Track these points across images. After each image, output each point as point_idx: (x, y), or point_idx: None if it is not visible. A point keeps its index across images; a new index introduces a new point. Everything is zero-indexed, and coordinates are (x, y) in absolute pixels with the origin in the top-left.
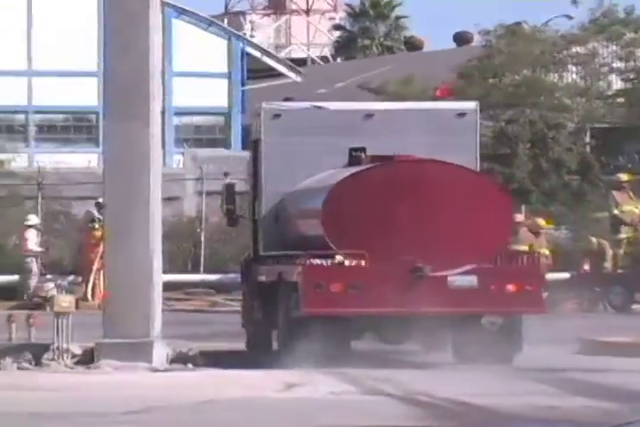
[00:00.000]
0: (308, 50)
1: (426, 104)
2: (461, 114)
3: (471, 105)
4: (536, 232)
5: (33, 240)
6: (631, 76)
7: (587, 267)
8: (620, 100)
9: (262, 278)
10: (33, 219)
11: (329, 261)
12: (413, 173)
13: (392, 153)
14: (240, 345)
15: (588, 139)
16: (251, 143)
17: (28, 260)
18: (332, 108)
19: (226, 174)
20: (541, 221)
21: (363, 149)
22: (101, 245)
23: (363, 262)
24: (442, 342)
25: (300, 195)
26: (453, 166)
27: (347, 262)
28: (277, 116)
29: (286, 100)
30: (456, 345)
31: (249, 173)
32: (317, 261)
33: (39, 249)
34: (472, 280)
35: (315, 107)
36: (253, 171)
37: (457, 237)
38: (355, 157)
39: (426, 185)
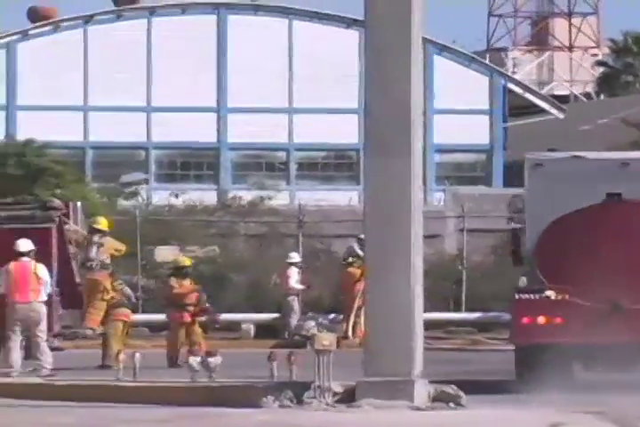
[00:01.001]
0: (570, 86)
1: None
2: None
3: None
4: None
5: (294, 278)
6: None
7: None
8: None
9: None
10: (295, 257)
11: (537, 296)
12: (616, 214)
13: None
14: (502, 383)
15: None
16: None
17: (290, 298)
18: (590, 158)
19: (510, 219)
20: None
21: (619, 195)
22: (361, 283)
23: (567, 296)
24: None
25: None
26: None
27: (553, 296)
28: (539, 165)
29: (550, 150)
30: None
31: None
32: (526, 296)
33: (301, 287)
34: None
35: (574, 156)
36: (522, 216)
37: None
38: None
39: (627, 225)
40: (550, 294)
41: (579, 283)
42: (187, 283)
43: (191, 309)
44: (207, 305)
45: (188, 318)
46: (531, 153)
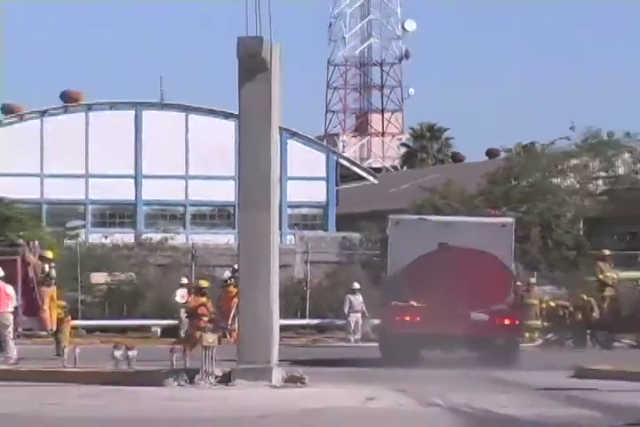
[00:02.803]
0: (383, 161)
1: (484, 219)
2: (504, 225)
3: (510, 220)
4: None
5: (180, 295)
6: (612, 181)
7: (580, 316)
8: (604, 198)
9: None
10: (184, 280)
11: (405, 304)
12: (451, 255)
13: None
14: (339, 367)
15: (581, 225)
16: (384, 238)
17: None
18: (431, 219)
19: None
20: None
21: (446, 244)
22: (235, 299)
23: (424, 304)
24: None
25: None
26: (475, 252)
27: (415, 304)
28: (398, 223)
29: (421, 219)
30: (479, 355)
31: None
32: (399, 303)
33: (183, 301)
34: (484, 317)
35: (420, 218)
36: (385, 254)
37: (476, 292)
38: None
39: (458, 262)
40: (413, 302)
41: (431, 297)
42: (203, 299)
43: (204, 318)
44: (214, 316)
45: (202, 324)
46: (392, 215)
